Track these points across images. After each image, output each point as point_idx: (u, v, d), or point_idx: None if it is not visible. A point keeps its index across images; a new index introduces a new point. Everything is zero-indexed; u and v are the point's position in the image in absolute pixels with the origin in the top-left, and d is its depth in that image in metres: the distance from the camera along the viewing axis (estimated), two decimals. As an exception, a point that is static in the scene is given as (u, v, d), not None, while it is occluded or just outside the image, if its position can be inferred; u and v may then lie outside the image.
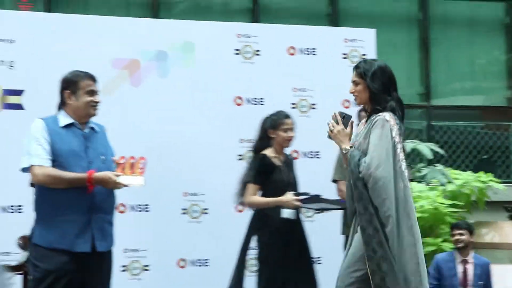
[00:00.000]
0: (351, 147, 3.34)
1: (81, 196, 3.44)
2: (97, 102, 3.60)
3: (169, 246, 4.78)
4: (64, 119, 3.56)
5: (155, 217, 4.79)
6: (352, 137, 3.42)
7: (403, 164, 3.25)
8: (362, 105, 3.45)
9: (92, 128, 3.63)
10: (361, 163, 3.22)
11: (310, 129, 4.76)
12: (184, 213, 4.88)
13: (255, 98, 5.01)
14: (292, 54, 5.09)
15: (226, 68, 5.00)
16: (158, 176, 4.59)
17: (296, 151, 5.00)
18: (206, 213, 4.90)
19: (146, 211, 4.79)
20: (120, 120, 4.71)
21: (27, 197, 3.61)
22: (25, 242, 3.74)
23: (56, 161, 3.46)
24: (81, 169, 3.47)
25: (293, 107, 5.05)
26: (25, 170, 3.51)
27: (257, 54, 5.05)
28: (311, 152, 5.03)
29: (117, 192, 3.62)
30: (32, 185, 3.56)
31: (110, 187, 3.47)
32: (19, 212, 4.54)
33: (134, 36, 4.88)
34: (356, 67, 3.43)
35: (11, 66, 4.67)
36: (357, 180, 3.22)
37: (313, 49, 5.11)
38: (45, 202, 3.47)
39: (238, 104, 5.02)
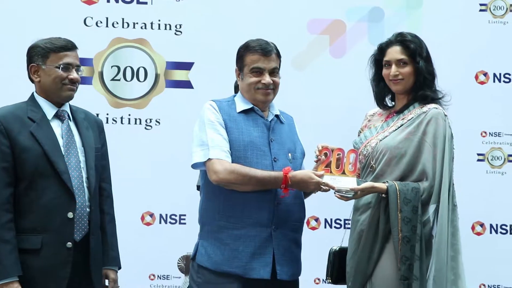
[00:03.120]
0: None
1: (260, 204, 3.15)
2: (265, 84, 3.22)
3: None
4: (242, 103, 3.28)
5: None
6: (364, 135, 3.29)
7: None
8: (400, 94, 3.25)
9: (277, 117, 3.31)
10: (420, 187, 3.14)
11: None
12: None
13: (507, 74, 4.65)
14: None
15: (467, 31, 4.60)
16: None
17: None
18: None
19: (347, 228, 4.37)
20: (315, 104, 4.49)
21: (192, 204, 3.47)
22: (188, 264, 3.58)
23: (234, 157, 3.18)
24: (263, 168, 3.17)
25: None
26: (197, 165, 3.25)
27: None
28: None
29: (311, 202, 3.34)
30: (198, 188, 3.38)
31: (310, 189, 3.21)
32: (182, 223, 4.47)
33: None
34: (404, 41, 3.22)
35: (178, 32, 4.44)
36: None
37: None
38: (213, 210, 3.21)
39: (482, 83, 4.65)
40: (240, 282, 3.14)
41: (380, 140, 3.20)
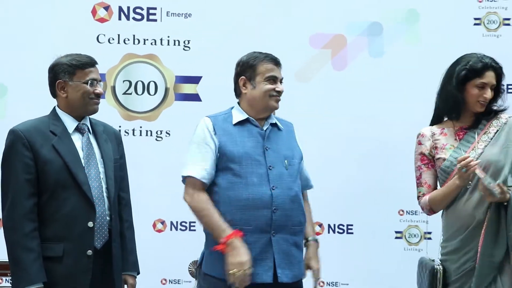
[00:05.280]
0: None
1: (258, 211, 3.18)
2: (279, 92, 3.30)
3: (377, 280, 4.51)
4: (238, 114, 3.32)
5: (360, 241, 4.53)
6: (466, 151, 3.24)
7: None
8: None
9: (274, 125, 3.35)
10: None
11: None
12: (398, 237, 4.61)
13: (502, 85, 4.44)
14: None
15: (461, 44, 4.42)
16: (367, 189, 4.49)
17: None
18: (429, 239, 4.53)
19: (349, 233, 4.52)
20: (318, 114, 4.51)
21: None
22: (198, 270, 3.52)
23: (229, 168, 3.22)
24: (258, 177, 3.21)
25: (556, 96, 4.42)
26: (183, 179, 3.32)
27: (506, 24, 4.63)
28: None
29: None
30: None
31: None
32: (192, 230, 4.49)
33: (338, 6, 4.64)
34: (497, 68, 3.29)
35: (187, 47, 4.50)
36: None
37: None
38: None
39: None
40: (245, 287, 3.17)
41: (479, 156, 3.21)
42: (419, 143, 3.34)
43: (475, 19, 4.66)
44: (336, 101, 4.56)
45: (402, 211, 4.57)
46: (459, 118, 3.28)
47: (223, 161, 3.24)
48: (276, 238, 3.21)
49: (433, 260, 3.27)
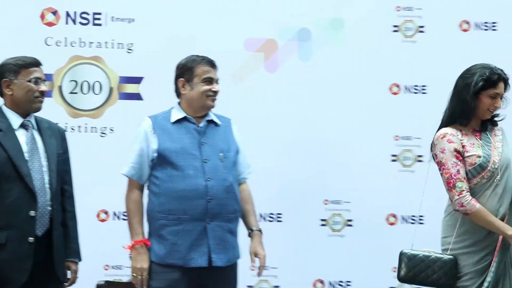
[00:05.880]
0: None
1: (194, 201, 3.34)
2: (215, 92, 3.45)
3: (304, 264, 4.63)
4: (177, 113, 3.47)
5: (288, 228, 4.64)
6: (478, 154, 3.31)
7: None
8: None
9: (211, 122, 3.49)
10: None
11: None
12: (323, 225, 4.74)
13: (416, 86, 4.77)
14: (465, 30, 4.81)
15: (382, 49, 4.75)
16: (294, 179, 4.61)
17: None
18: (350, 225, 4.73)
19: (278, 221, 4.68)
20: (252, 112, 4.59)
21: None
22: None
23: (167, 162, 3.38)
24: (194, 169, 3.36)
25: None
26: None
27: (421, 31, 4.79)
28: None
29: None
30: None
31: None
32: None
33: (270, 12, 4.72)
34: (506, 80, 3.35)
35: (130, 50, 4.62)
36: None
37: (493, 23, 4.79)
38: (155, 211, 3.40)
39: (395, 93, 4.78)
40: (181, 271, 3.33)
41: (500, 154, 3.31)
42: (449, 141, 3.30)
43: (394, 26, 4.78)
44: (268, 101, 4.66)
45: (327, 200, 4.69)
46: (468, 123, 3.33)
47: (163, 157, 3.37)
48: (212, 225, 3.35)
49: (436, 252, 3.29)
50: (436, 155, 3.33)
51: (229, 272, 3.44)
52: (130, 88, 4.64)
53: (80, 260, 3.40)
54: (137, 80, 4.64)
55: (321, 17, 4.74)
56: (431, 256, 3.28)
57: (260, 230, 3.55)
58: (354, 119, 4.71)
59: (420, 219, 4.52)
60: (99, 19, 4.64)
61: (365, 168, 4.68)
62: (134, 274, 3.34)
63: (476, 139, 3.34)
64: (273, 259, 4.39)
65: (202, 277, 3.35)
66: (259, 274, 3.50)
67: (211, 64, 3.47)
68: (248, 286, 4.54)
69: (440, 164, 3.30)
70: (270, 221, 4.66)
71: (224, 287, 3.44)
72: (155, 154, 3.39)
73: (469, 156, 3.28)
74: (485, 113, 3.33)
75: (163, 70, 4.19)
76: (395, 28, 4.80)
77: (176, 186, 3.34)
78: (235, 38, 4.66)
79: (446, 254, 3.27)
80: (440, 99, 4.31)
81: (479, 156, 3.28)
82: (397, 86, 4.78)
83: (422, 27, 4.79)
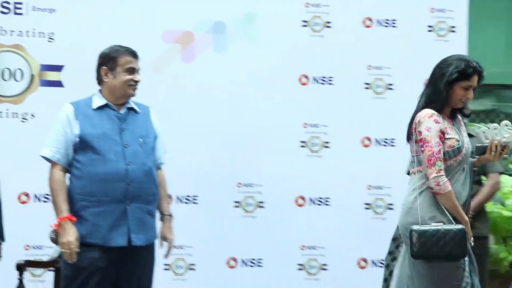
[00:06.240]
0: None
1: (115, 184, 3.42)
2: (136, 81, 3.52)
3: (218, 243, 4.70)
4: (98, 100, 3.52)
5: (203, 210, 4.71)
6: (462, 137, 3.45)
7: None
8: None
9: (131, 109, 3.56)
10: None
11: (386, 113, 4.72)
12: (236, 206, 4.80)
13: (324, 77, 4.86)
14: (368, 27, 4.91)
15: (292, 42, 4.84)
16: (210, 164, 4.69)
17: (368, 138, 4.86)
18: (262, 207, 4.80)
19: (194, 203, 4.73)
20: (170, 100, 4.65)
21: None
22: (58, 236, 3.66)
23: (89, 147, 3.44)
24: (115, 154, 3.44)
25: (367, 87, 4.88)
26: (46, 159, 3.51)
27: (328, 27, 4.87)
28: (386, 139, 4.88)
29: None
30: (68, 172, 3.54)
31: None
32: None
33: (187, 6, 4.75)
34: (481, 72, 3.41)
35: (51, 39, 4.62)
36: None
37: (393, 20, 4.92)
38: (76, 193, 3.46)
39: (304, 84, 4.86)
40: (101, 250, 3.40)
41: (468, 143, 3.44)
42: (436, 121, 3.36)
43: (303, 21, 4.85)
44: (185, 90, 4.71)
45: (240, 184, 4.76)
46: (442, 110, 3.39)
47: (84, 141, 3.43)
48: (131, 207, 3.43)
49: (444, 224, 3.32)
50: (420, 132, 3.37)
51: (148, 252, 3.52)
52: (51, 75, 4.64)
53: (3, 240, 3.47)
54: (58, 68, 4.64)
55: (235, 11, 4.80)
56: (440, 230, 3.29)
57: (171, 215, 3.64)
58: (266, 107, 4.79)
59: (327, 201, 4.77)
60: (20, 8, 4.62)
61: (276, 154, 4.77)
62: (63, 250, 3.38)
63: (451, 125, 3.44)
64: (190, 239, 4.63)
65: (121, 256, 3.42)
66: (167, 257, 3.62)
67: (134, 54, 3.54)
68: (165, 264, 4.59)
69: (424, 141, 3.36)
70: (187, 203, 4.70)
71: (142, 265, 3.51)
72: (77, 139, 3.44)
73: (449, 138, 3.38)
74: (457, 103, 3.42)
75: (83, 59, 4.35)
76: (304, 23, 4.87)
77: (98, 170, 3.41)
78: (154, 29, 4.68)
79: (455, 226, 3.31)
80: (346, 89, 4.72)
81: (458, 140, 3.39)
82: (306, 77, 4.86)
83: (329, 22, 4.87)
